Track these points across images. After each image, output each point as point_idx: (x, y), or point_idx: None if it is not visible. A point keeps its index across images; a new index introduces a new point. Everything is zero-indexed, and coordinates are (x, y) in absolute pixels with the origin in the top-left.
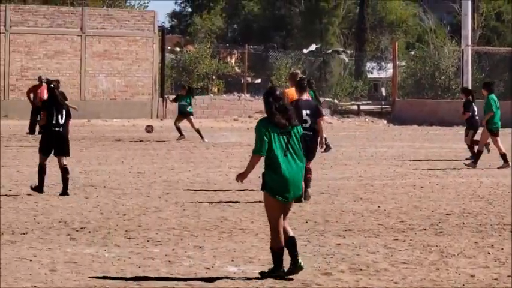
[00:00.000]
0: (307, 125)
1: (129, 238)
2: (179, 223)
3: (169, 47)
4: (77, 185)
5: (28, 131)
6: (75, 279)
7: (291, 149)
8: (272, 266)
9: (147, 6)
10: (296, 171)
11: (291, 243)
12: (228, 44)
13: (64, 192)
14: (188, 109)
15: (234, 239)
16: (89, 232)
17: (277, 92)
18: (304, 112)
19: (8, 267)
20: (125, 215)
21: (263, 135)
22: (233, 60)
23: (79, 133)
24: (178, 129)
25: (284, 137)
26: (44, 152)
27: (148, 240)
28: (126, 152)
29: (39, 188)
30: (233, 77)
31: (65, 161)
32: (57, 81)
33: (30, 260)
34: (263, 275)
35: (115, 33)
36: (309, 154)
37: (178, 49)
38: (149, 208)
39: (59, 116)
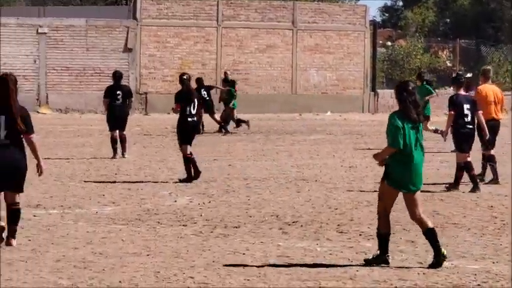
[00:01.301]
0: (468, 119)
1: (341, 232)
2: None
3: (380, 41)
4: (289, 179)
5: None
6: (287, 272)
7: (419, 143)
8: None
9: (358, 0)
10: (421, 165)
11: (431, 234)
12: (439, 38)
13: (189, 179)
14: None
15: (446, 233)
16: (301, 226)
17: (411, 87)
18: (464, 106)
19: (220, 260)
20: (336, 209)
21: (400, 128)
22: (444, 54)
23: (290, 127)
24: None
25: (414, 131)
26: (183, 142)
27: (360, 234)
28: (338, 146)
29: (188, 179)
30: (444, 71)
31: (189, 149)
32: (188, 74)
33: (243, 254)
34: (368, 262)
35: (326, 28)
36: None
37: (389, 43)
38: (361, 202)
39: (192, 107)
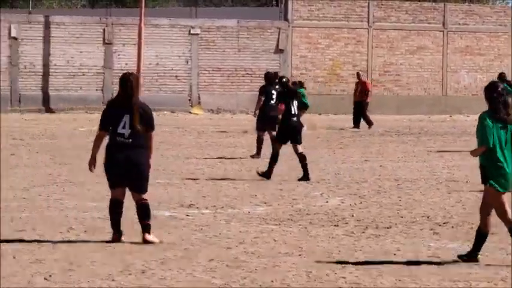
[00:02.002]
0: None
1: (492, 233)
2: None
3: None
4: (440, 180)
5: (353, 125)
6: (438, 273)
7: (508, 144)
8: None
9: (509, 1)
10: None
11: None
12: None
13: (305, 177)
14: None
15: None
16: (452, 227)
17: (500, 88)
18: None
19: (372, 260)
20: None
21: (490, 128)
22: None
23: (441, 128)
24: None
25: (503, 131)
26: (279, 141)
27: None
28: None
29: (266, 173)
30: None
31: (300, 148)
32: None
33: (394, 254)
34: (461, 258)
35: (477, 29)
36: None
37: None
38: None
39: (294, 107)
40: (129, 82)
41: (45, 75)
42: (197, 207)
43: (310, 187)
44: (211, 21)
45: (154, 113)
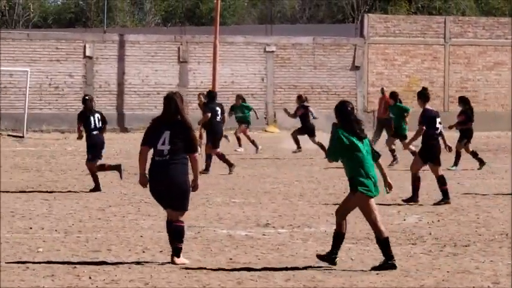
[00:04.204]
0: None
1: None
2: None
3: None
4: None
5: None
6: None
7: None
8: None
9: None
10: None
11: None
12: None
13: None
14: None
15: None
16: None
17: (349, 107)
18: None
19: (450, 279)
20: None
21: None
22: None
23: None
24: None
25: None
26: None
27: None
28: None
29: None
30: None
31: None
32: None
33: (473, 273)
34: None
35: None
36: None
37: None
38: None
39: None
40: (172, 100)
41: (120, 94)
42: (273, 227)
43: (387, 205)
44: (287, 39)
45: (230, 132)
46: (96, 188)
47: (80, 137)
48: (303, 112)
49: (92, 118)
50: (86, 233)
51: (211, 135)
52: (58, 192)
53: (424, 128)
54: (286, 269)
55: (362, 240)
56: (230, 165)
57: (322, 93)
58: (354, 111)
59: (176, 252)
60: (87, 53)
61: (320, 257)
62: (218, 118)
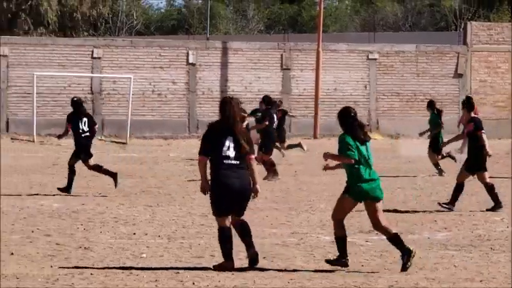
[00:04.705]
0: None
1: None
2: None
3: None
4: None
5: None
6: None
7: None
8: None
9: None
10: None
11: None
12: None
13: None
14: None
15: None
16: None
17: (352, 113)
18: None
19: None
20: None
21: (353, 145)
22: None
23: None
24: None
25: (363, 147)
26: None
27: None
28: None
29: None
30: None
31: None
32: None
33: None
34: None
35: None
36: None
37: None
38: None
39: None
40: (230, 106)
41: None
42: (376, 233)
43: (490, 212)
44: (390, 46)
45: (333, 139)
46: (114, 179)
47: (61, 136)
48: (280, 115)
49: (80, 121)
50: (189, 238)
51: (266, 142)
52: (161, 198)
53: (483, 132)
54: (389, 275)
55: (465, 247)
56: (275, 173)
57: (425, 101)
58: (357, 116)
59: (252, 245)
60: (190, 60)
61: (329, 262)
62: (274, 125)
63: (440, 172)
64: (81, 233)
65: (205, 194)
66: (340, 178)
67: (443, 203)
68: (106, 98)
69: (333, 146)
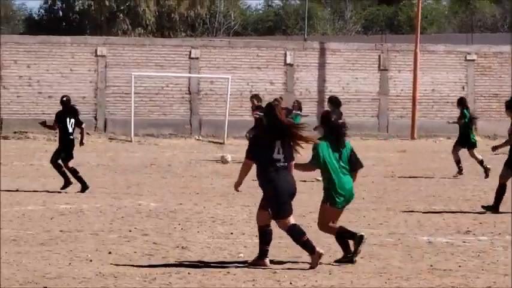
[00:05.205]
0: None
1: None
2: None
3: None
4: None
5: None
6: None
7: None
8: None
9: None
10: None
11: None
12: None
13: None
14: None
15: None
16: None
17: (333, 118)
18: None
19: None
20: None
21: (327, 153)
22: None
23: None
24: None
25: (337, 154)
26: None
27: None
28: None
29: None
30: None
31: None
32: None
33: None
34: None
35: None
36: None
37: None
38: None
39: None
40: (274, 111)
41: (321, 101)
42: (474, 234)
43: None
44: (487, 47)
45: (430, 140)
46: (66, 185)
47: (45, 125)
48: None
49: (68, 121)
50: (286, 238)
51: None
52: (258, 198)
53: None
54: (487, 276)
55: None
56: None
57: None
58: (338, 121)
59: (311, 246)
60: (288, 61)
61: (338, 261)
62: None
63: (460, 171)
64: (178, 233)
65: (237, 191)
66: (437, 180)
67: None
68: (204, 98)
69: (430, 147)
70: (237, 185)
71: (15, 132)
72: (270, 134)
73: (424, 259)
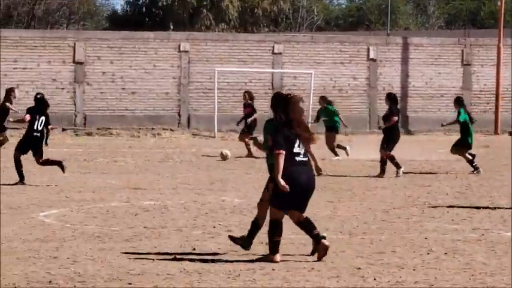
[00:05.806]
0: None
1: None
2: None
3: None
4: None
5: None
6: None
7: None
8: None
9: None
10: None
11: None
12: None
13: None
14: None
15: None
16: None
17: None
18: None
19: None
20: None
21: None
22: None
23: None
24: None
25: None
26: None
27: None
28: None
29: None
30: None
31: None
32: None
33: None
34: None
35: None
36: None
37: None
38: None
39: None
40: (291, 105)
41: (404, 96)
42: None
43: None
44: None
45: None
46: (21, 180)
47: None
48: (250, 111)
49: (37, 119)
50: (371, 234)
51: (389, 138)
52: (342, 194)
53: None
54: None
55: None
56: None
57: None
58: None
59: (319, 237)
60: (371, 56)
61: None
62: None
63: (476, 169)
64: (262, 229)
65: (285, 191)
66: None
67: None
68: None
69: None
70: (280, 181)
71: (98, 129)
72: (285, 128)
73: (508, 255)
